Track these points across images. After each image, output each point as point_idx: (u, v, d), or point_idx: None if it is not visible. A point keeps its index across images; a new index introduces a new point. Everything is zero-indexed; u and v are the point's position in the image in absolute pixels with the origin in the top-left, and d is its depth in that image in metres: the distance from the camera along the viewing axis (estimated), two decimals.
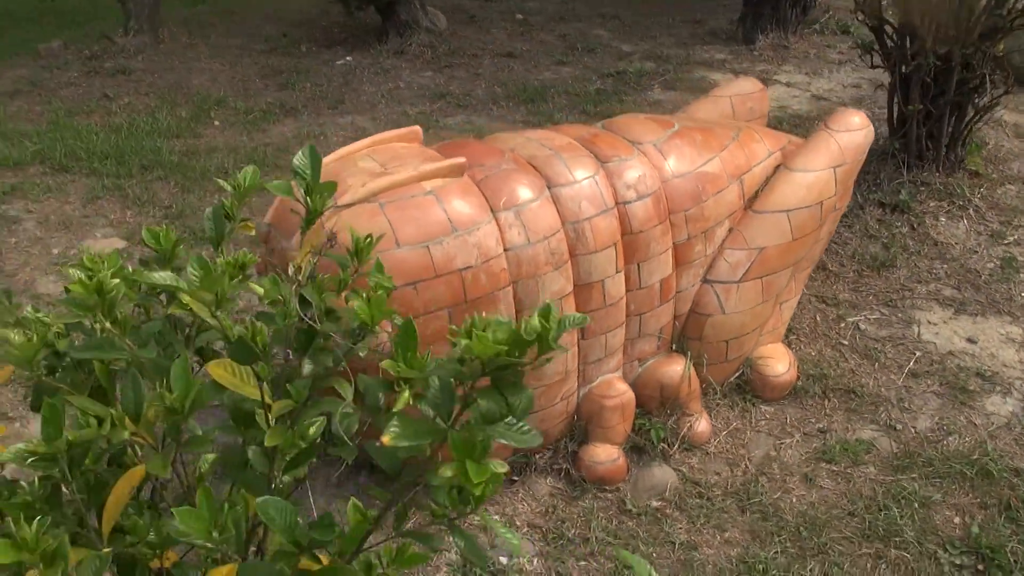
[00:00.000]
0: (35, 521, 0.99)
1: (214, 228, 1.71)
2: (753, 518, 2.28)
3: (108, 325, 1.32)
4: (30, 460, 1.10)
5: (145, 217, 3.70)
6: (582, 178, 2.24)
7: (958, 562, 2.15)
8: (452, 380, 1.03)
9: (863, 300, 3.08)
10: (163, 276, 1.32)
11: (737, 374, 2.68)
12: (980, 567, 2.14)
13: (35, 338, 1.29)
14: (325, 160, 2.24)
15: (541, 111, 4.65)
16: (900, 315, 3.00)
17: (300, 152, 1.30)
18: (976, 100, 3.56)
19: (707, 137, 2.53)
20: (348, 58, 5.60)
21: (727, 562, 2.16)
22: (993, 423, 2.55)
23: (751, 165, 2.56)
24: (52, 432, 1.09)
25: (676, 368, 2.48)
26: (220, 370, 1.23)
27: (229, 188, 1.61)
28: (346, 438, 1.19)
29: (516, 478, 2.39)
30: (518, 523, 2.28)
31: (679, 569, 2.14)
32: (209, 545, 1.00)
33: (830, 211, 2.62)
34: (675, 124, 2.55)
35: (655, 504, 2.33)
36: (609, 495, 2.35)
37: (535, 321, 0.94)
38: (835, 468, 2.43)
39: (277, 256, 2.09)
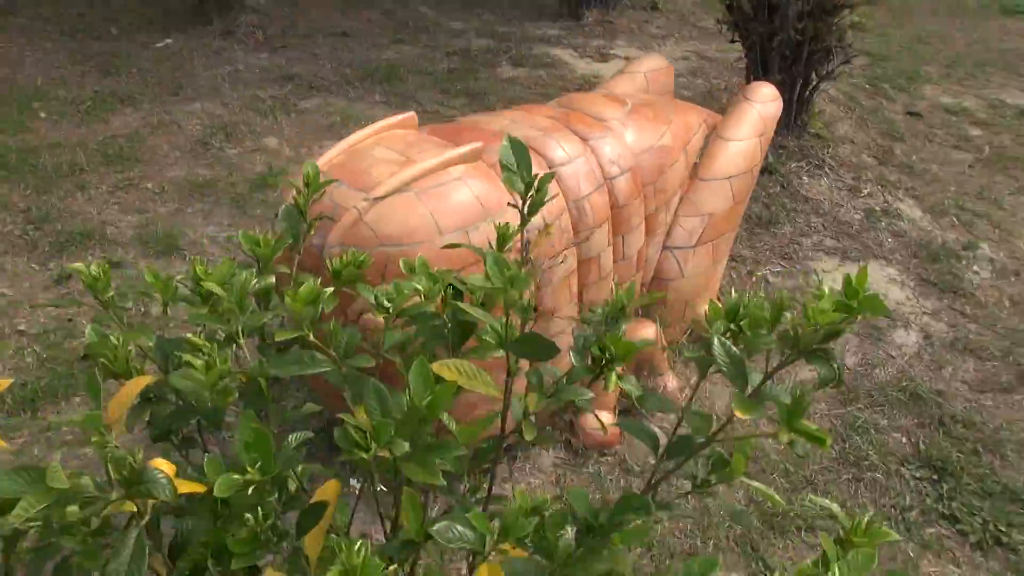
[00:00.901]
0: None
1: (289, 227, 1.66)
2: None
3: (311, 337, 1.27)
4: (238, 491, 1.04)
5: (4, 224, 3.32)
6: (576, 156, 2.31)
7: (918, 475, 2.47)
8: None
9: (763, 256, 3.38)
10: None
11: (686, 333, 2.87)
12: (935, 477, 2.47)
13: (217, 363, 1.21)
14: (333, 153, 2.16)
15: (400, 91, 4.62)
16: (798, 266, 3.33)
17: (504, 145, 1.29)
18: (819, 69, 3.98)
19: (656, 112, 2.68)
20: (168, 40, 5.24)
21: (738, 501, 2.35)
22: (905, 354, 2.92)
23: (690, 137, 2.75)
24: (258, 456, 1.04)
25: (649, 332, 2.63)
26: (447, 371, 1.22)
27: (298, 187, 1.57)
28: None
29: (518, 454, 2.45)
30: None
31: (699, 516, 2.30)
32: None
33: (756, 176, 2.87)
34: (627, 101, 2.67)
35: (653, 460, 2.48)
36: (610, 458, 2.47)
37: (849, 288, 1.03)
38: None
39: (308, 255, 2.00)
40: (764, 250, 3.40)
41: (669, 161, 2.61)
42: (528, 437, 1.25)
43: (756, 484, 1.21)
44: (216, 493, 0.99)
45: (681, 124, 2.73)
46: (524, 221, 1.31)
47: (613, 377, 1.23)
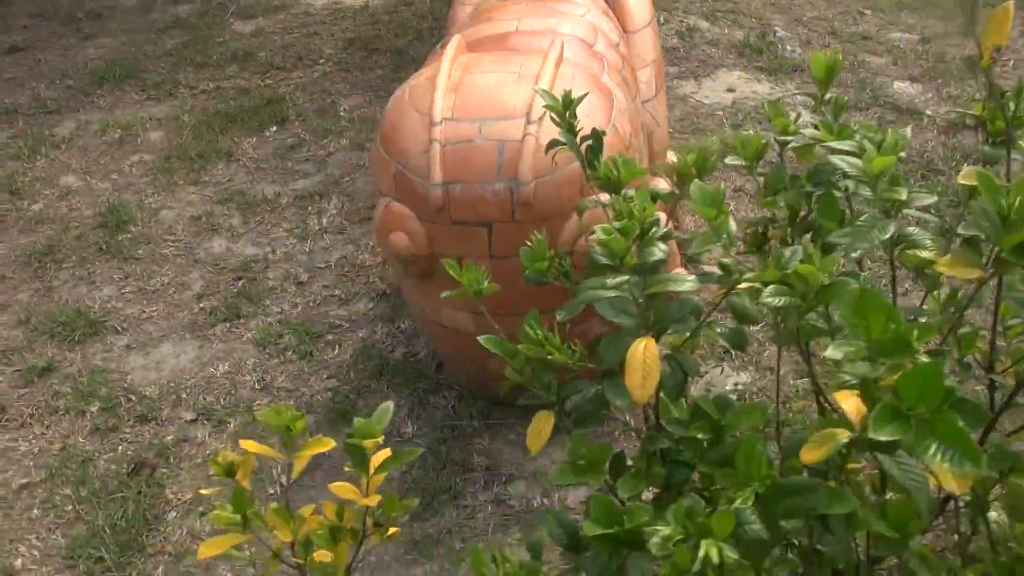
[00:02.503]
0: None
1: None
2: None
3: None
4: None
5: None
6: (596, 37, 2.33)
7: None
8: None
9: None
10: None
11: None
12: None
13: None
14: (441, 102, 1.97)
15: (150, 79, 4.10)
16: (670, 96, 3.59)
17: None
18: None
19: None
20: None
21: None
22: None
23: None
24: None
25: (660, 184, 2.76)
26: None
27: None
28: None
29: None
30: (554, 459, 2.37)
31: None
32: None
33: None
34: None
35: None
36: None
37: None
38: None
39: (481, 202, 1.86)
40: None
41: (618, 31, 2.69)
42: None
43: None
44: None
45: None
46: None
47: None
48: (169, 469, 2.32)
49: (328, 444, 1.34)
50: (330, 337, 2.71)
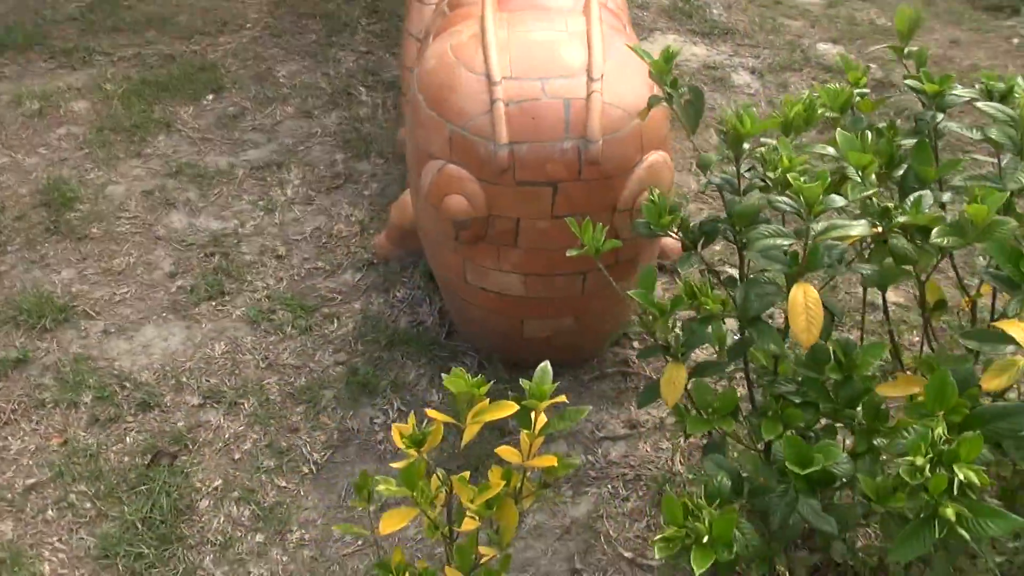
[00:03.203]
0: None
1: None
2: None
3: None
4: None
5: None
6: None
7: None
8: None
9: None
10: None
11: None
12: None
13: None
14: (495, 59, 1.92)
15: (60, 45, 3.78)
16: None
17: None
18: None
19: None
20: None
21: None
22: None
23: None
24: None
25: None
26: None
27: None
28: None
29: None
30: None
31: None
32: None
33: None
34: None
35: None
36: None
37: None
38: None
39: (550, 163, 1.84)
40: None
41: None
42: None
43: None
44: None
45: None
46: None
47: None
48: (190, 457, 2.19)
49: (510, 408, 1.31)
50: (326, 310, 2.62)
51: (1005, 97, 1.43)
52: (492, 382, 2.31)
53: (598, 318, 2.24)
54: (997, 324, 1.26)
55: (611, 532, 2.04)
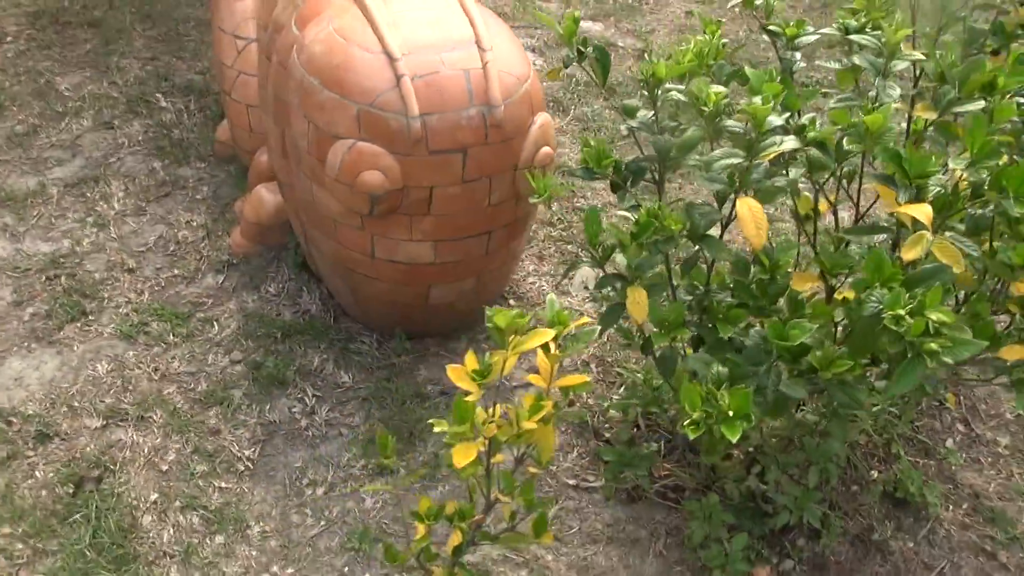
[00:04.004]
0: None
1: None
2: None
3: None
4: None
5: None
6: None
7: None
8: None
9: None
10: None
11: None
12: None
13: None
14: (393, 41, 2.00)
15: None
16: None
17: None
18: None
19: None
20: None
21: None
22: None
23: None
24: None
25: None
26: None
27: None
28: None
29: None
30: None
31: None
32: None
33: None
34: None
35: None
36: None
37: None
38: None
39: (458, 129, 1.98)
40: None
41: None
42: None
43: None
44: None
45: None
46: None
47: None
48: (115, 477, 2.10)
49: (546, 334, 1.44)
50: (201, 315, 2.57)
51: (860, 31, 1.77)
52: (400, 355, 2.43)
53: (495, 277, 2.41)
54: (902, 208, 1.59)
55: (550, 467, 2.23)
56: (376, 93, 2.01)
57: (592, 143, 1.77)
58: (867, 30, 1.76)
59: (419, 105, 2.00)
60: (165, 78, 3.53)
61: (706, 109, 1.64)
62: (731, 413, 1.44)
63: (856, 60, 1.75)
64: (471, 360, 1.41)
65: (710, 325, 1.80)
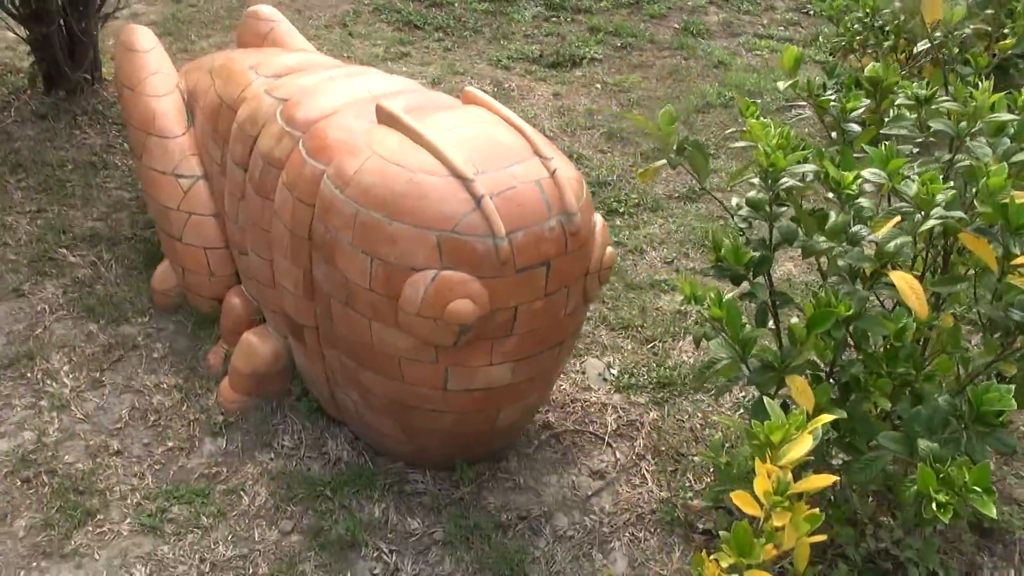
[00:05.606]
0: None
1: None
2: None
3: None
4: None
5: None
6: None
7: None
8: None
9: None
10: None
11: None
12: None
13: None
14: (456, 160, 1.90)
15: None
16: None
17: None
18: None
19: None
20: None
21: None
22: None
23: None
24: None
25: None
26: None
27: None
28: None
29: None
30: None
31: None
32: None
33: None
34: None
35: None
36: None
37: None
38: None
39: (543, 241, 1.91)
40: None
41: None
42: None
43: None
44: None
45: None
46: None
47: None
48: None
49: (806, 442, 1.39)
50: (222, 487, 2.28)
51: (928, 100, 1.89)
52: (464, 486, 2.28)
53: (551, 386, 2.32)
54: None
55: (661, 572, 2.15)
56: (457, 218, 1.90)
57: (726, 241, 1.76)
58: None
59: (505, 224, 1.90)
60: (62, 231, 3.15)
61: (844, 191, 1.68)
62: (978, 488, 1.46)
63: (938, 126, 1.85)
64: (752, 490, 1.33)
65: (849, 399, 1.82)
